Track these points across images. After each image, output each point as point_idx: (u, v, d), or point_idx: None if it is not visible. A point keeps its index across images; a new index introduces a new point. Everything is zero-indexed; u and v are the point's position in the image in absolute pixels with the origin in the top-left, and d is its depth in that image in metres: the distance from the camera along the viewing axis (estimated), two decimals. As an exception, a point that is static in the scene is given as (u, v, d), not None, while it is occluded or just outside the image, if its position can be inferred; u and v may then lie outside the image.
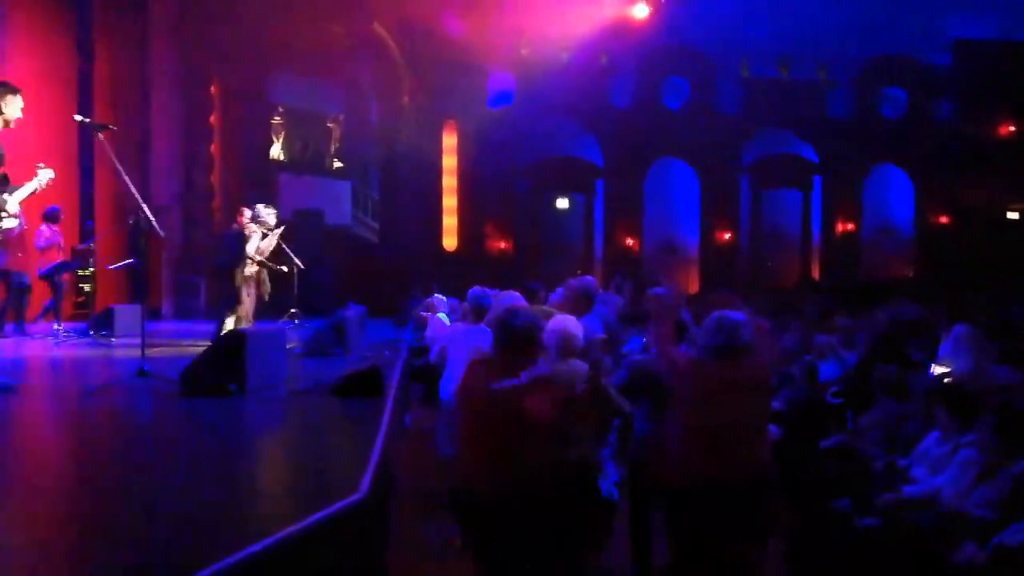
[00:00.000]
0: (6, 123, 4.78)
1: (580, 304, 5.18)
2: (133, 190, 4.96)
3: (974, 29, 20.50)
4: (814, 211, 21.95)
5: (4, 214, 4.78)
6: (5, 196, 4.81)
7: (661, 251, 21.51)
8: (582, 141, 20.88)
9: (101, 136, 5.02)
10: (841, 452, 5.23)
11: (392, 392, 5.12)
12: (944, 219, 21.70)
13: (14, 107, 4.77)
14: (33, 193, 4.98)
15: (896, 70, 21.46)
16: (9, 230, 4.87)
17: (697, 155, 20.98)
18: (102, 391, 4.90)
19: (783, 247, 21.85)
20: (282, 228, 9.17)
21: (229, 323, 8.15)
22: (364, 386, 4.91)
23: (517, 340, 3.33)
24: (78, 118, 5.35)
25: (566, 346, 4.15)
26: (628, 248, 21.07)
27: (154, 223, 5.10)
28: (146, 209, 4.97)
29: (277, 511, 2.70)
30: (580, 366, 4.19)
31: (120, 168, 4.90)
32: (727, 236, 21.62)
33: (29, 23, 11.36)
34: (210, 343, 4.77)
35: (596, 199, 21.41)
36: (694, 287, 21.30)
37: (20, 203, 4.89)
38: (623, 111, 20.75)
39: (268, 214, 8.88)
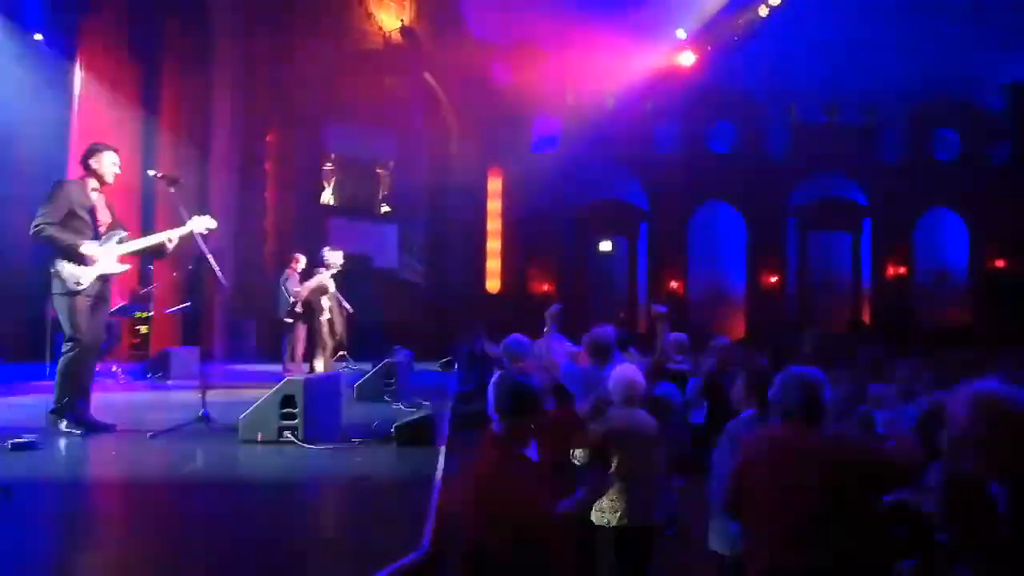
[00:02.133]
0: (101, 180, 5.10)
1: (597, 355, 4.88)
2: (200, 240, 5.15)
3: (1027, 73, 20.23)
4: (864, 255, 21.58)
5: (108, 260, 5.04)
6: (115, 242, 5.08)
7: (707, 295, 21.31)
8: (627, 185, 20.98)
9: (172, 189, 5.24)
10: (904, 510, 5.06)
11: (444, 441, 5.14)
12: (1001, 263, 21.12)
13: (106, 163, 5.12)
14: (165, 243, 5.23)
15: (948, 113, 21.20)
16: (114, 275, 5.16)
17: (744, 198, 20.88)
18: (163, 435, 5.03)
19: (832, 292, 21.47)
20: (330, 271, 9.32)
21: (318, 365, 8.43)
22: (417, 435, 4.95)
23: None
24: (151, 172, 5.59)
25: (630, 395, 4.16)
26: (673, 291, 20.94)
27: (219, 272, 5.27)
28: (211, 258, 5.15)
29: (341, 567, 2.73)
30: (645, 416, 4.19)
31: (187, 219, 5.10)
32: (774, 280, 21.34)
33: (100, 77, 11.96)
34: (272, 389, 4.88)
35: (640, 242, 21.39)
36: (740, 332, 21.01)
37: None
38: (668, 155, 20.82)
39: (333, 256, 9.18)
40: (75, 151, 10.95)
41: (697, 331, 12.91)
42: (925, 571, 4.15)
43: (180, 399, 7.56)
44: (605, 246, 21.41)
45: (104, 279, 5.08)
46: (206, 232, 5.21)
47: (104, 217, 5.08)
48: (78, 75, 11.76)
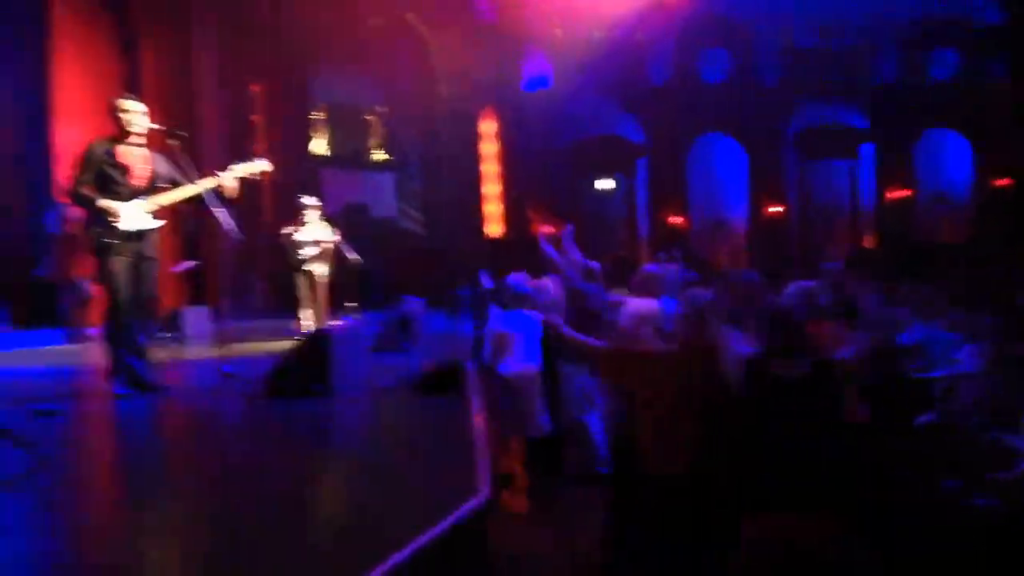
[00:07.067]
0: (124, 132, 5.06)
1: (651, 288, 5.18)
2: (212, 195, 4.98)
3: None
4: (864, 180, 21.39)
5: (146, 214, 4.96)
6: (148, 198, 5.01)
7: (708, 228, 21.17)
8: (621, 120, 20.58)
9: (174, 143, 5.05)
10: (940, 429, 5.03)
11: (474, 386, 5.07)
12: (1003, 181, 20.96)
13: (131, 115, 5.07)
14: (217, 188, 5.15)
15: (945, 31, 20.68)
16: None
17: (741, 129, 20.53)
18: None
19: (834, 219, 21.35)
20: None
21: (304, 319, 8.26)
22: (447, 381, 4.88)
23: None
24: (153, 126, 5.35)
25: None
26: (673, 226, 20.78)
27: (234, 226, 5.13)
28: (225, 210, 5.03)
29: (402, 517, 2.66)
30: None
31: (197, 174, 4.93)
32: (775, 210, 21.19)
33: (74, 31, 11.54)
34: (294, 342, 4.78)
35: (638, 178, 21.12)
36: (743, 264, 20.95)
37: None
38: (662, 87, 20.37)
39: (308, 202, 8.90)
40: (59, 111, 10.65)
41: (701, 265, 12.80)
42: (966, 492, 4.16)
43: (198, 356, 7.49)
44: (603, 184, 21.13)
45: (139, 236, 4.97)
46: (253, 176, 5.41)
47: (142, 173, 5.02)
48: (50, 28, 11.35)
